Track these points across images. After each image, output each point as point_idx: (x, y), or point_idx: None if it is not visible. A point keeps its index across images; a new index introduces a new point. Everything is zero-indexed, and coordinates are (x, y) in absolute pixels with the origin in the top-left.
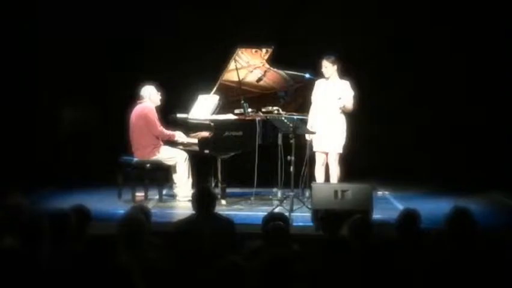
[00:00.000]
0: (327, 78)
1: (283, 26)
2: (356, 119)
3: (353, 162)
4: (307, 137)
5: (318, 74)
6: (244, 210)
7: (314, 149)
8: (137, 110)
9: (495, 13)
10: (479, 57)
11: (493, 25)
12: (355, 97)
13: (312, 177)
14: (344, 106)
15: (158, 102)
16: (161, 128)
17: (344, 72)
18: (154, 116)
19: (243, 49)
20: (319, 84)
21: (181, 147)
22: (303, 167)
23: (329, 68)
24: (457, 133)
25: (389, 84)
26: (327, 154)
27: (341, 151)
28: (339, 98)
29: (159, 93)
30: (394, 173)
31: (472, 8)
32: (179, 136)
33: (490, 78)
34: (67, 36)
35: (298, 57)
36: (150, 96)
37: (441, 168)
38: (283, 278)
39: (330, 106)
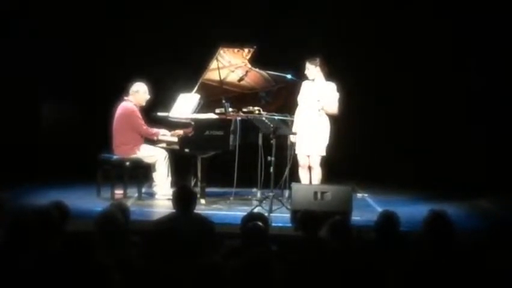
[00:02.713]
0: (313, 80)
1: (267, 26)
2: (338, 121)
3: (333, 164)
4: (292, 138)
5: (302, 75)
6: (223, 209)
7: (297, 151)
8: (120, 109)
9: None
10: (461, 60)
11: (490, 25)
12: (340, 99)
13: (292, 178)
14: (322, 108)
15: (143, 103)
16: (146, 127)
17: (329, 74)
18: (138, 116)
19: (225, 48)
20: (304, 85)
21: (161, 145)
22: (287, 168)
23: (311, 69)
24: (439, 138)
25: (372, 87)
26: (309, 156)
27: (323, 154)
28: (318, 100)
29: (147, 94)
30: (374, 176)
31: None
32: (163, 134)
33: (474, 83)
34: (52, 32)
35: (280, 58)
36: (135, 95)
37: (421, 172)
38: (262, 279)
39: (313, 109)
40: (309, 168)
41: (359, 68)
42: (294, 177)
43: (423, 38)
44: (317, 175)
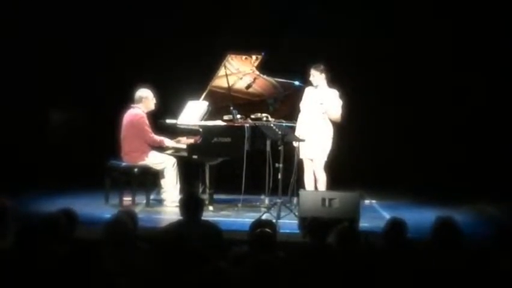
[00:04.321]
0: (316, 87)
1: (274, 33)
2: (344, 128)
3: (340, 171)
4: (295, 144)
5: (306, 82)
6: (231, 216)
7: (301, 156)
8: (128, 116)
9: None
10: (469, 68)
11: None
12: (343, 107)
13: (300, 185)
14: (326, 111)
15: (152, 108)
16: (152, 135)
17: (333, 81)
18: (145, 123)
19: (233, 55)
20: (308, 92)
21: (169, 152)
22: (293, 175)
23: (316, 76)
24: (445, 144)
25: (380, 93)
26: (312, 161)
27: (325, 158)
28: (321, 103)
29: (154, 99)
30: (381, 182)
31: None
32: (168, 142)
33: (479, 88)
34: (55, 36)
35: (288, 65)
36: (144, 101)
37: (429, 178)
38: (269, 285)
39: (315, 114)
40: (314, 173)
41: (364, 72)
42: (301, 183)
43: (425, 38)
44: (322, 180)
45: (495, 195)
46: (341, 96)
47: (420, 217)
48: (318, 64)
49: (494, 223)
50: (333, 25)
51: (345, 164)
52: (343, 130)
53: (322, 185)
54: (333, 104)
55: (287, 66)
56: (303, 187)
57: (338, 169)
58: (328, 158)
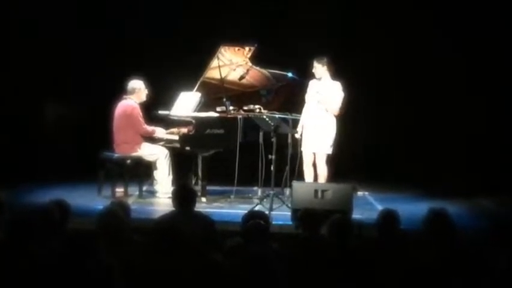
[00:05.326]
0: (319, 79)
1: (268, 25)
2: (337, 119)
3: (334, 162)
4: (297, 135)
5: (309, 74)
6: (224, 208)
7: (302, 148)
8: (121, 107)
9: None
10: (467, 59)
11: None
12: (345, 99)
13: (293, 176)
14: (320, 101)
15: (144, 99)
16: (145, 126)
17: (335, 74)
18: (139, 114)
19: (226, 47)
20: (311, 84)
21: (162, 143)
22: (287, 167)
23: (318, 68)
24: (440, 136)
25: (374, 85)
26: (315, 154)
27: (329, 152)
28: (317, 92)
29: (146, 89)
30: (375, 174)
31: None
32: (160, 132)
33: (478, 83)
34: (52, 31)
35: (282, 57)
36: (136, 92)
37: (422, 170)
38: (262, 276)
39: (317, 106)
40: (314, 165)
41: (361, 67)
42: (299, 174)
43: (424, 35)
44: (323, 173)
45: (490, 189)
46: (344, 89)
47: (413, 208)
48: (321, 56)
49: (488, 216)
50: (332, 24)
51: (339, 156)
52: (338, 122)
53: (322, 179)
54: (331, 95)
55: (282, 59)
56: (302, 179)
57: (331, 160)
58: (332, 151)
